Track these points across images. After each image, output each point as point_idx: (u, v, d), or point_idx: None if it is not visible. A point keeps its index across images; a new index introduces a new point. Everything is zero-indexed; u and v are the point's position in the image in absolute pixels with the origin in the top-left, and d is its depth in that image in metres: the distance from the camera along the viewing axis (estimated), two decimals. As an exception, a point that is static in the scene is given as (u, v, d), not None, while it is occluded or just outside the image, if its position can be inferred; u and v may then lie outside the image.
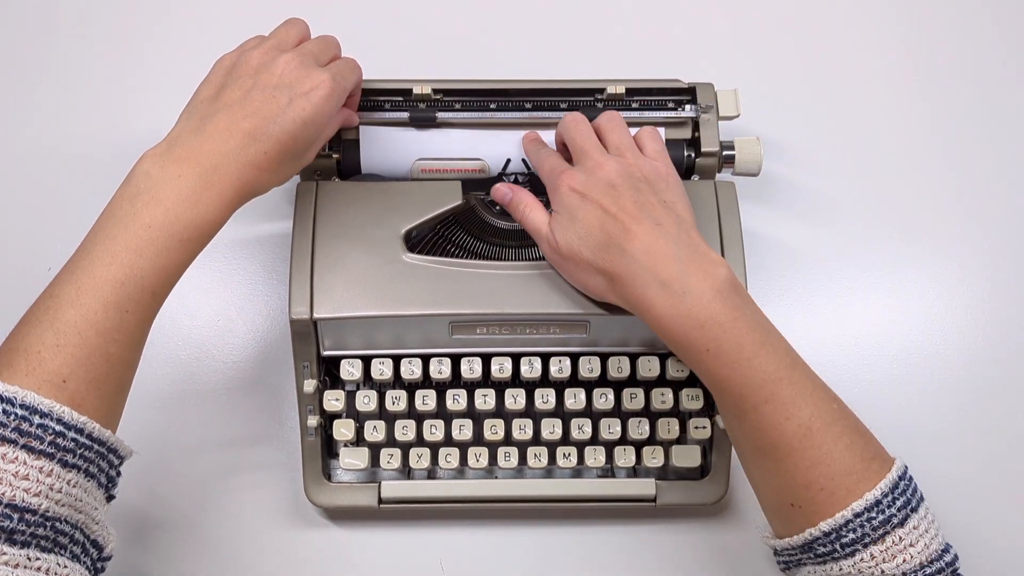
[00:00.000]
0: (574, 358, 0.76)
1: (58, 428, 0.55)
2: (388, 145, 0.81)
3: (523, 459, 0.76)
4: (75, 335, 0.57)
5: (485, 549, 0.79)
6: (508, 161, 0.81)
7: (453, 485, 0.77)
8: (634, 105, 0.82)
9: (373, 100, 0.81)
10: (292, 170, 0.70)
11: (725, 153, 0.81)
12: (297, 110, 0.66)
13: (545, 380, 0.77)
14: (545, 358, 0.76)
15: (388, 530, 0.79)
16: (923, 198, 0.91)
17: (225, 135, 0.64)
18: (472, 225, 0.79)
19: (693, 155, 0.81)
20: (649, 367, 0.76)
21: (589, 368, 0.75)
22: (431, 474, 0.78)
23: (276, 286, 0.86)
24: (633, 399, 0.76)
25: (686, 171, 0.82)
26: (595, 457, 0.76)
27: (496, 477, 0.78)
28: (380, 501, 0.76)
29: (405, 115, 0.80)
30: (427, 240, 0.77)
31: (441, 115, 0.80)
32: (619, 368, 0.76)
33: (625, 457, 0.76)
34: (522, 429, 0.76)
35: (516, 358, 0.76)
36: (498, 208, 0.80)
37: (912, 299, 0.87)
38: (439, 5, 0.98)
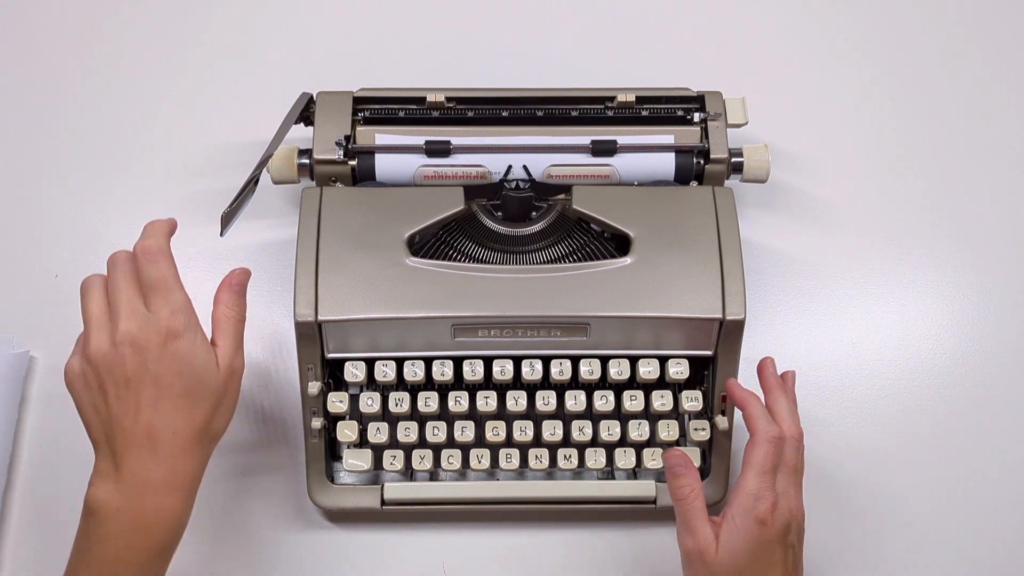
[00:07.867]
0: (575, 360, 0.76)
1: None
2: (399, 155, 0.82)
3: (524, 461, 0.77)
4: None
5: (487, 551, 0.79)
6: (509, 168, 0.82)
7: (455, 487, 0.78)
8: (644, 113, 0.84)
9: (388, 108, 0.83)
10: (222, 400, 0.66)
11: (734, 160, 0.83)
12: (165, 368, 0.63)
13: (546, 382, 0.77)
14: (546, 360, 0.76)
15: (391, 532, 0.79)
16: (922, 207, 0.92)
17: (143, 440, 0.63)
18: (474, 230, 0.80)
19: (702, 162, 0.82)
20: (649, 369, 0.76)
21: (589, 370, 0.76)
22: (433, 476, 0.79)
23: (279, 292, 0.87)
24: (633, 401, 0.77)
25: (695, 177, 0.83)
26: (595, 459, 0.77)
27: (498, 479, 0.79)
28: (383, 503, 0.77)
29: (421, 141, 0.81)
30: (429, 244, 0.78)
31: (455, 141, 0.81)
32: (619, 370, 0.76)
33: (625, 459, 0.77)
34: (523, 431, 0.76)
35: (517, 360, 0.76)
36: (499, 214, 0.81)
37: (909, 305, 0.88)
38: (451, 19, 1.00)
